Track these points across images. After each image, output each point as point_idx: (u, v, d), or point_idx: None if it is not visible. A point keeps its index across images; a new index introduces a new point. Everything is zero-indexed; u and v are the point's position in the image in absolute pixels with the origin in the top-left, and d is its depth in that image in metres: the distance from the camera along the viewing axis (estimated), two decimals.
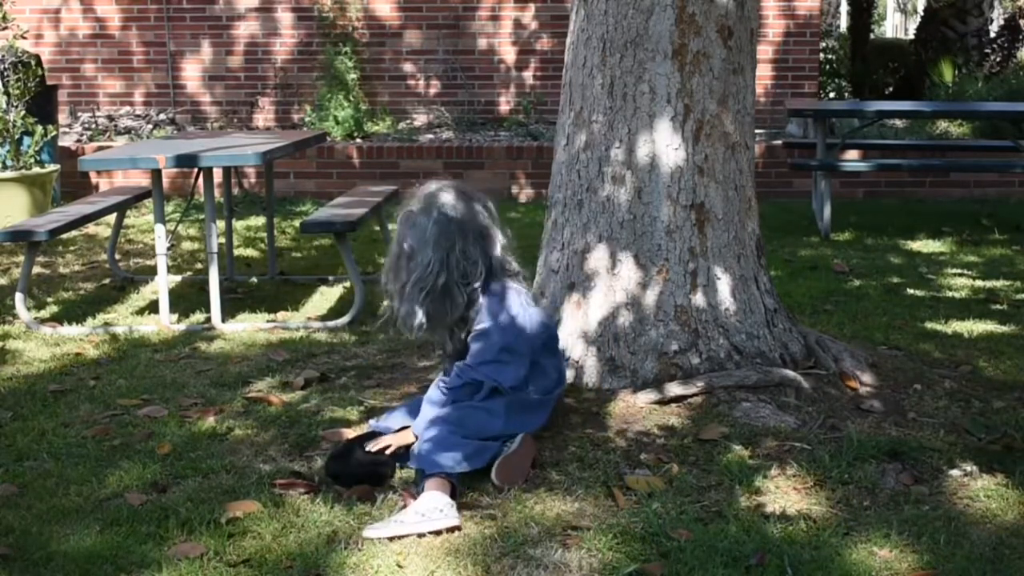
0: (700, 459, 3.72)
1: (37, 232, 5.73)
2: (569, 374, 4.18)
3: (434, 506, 3.30)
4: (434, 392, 3.69)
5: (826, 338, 4.53)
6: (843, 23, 21.30)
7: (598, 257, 4.22)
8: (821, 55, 12.53)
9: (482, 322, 3.65)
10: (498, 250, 3.69)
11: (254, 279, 6.78)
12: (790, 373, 4.17)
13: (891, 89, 14.62)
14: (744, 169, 4.30)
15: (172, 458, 3.88)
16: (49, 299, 6.32)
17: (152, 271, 6.69)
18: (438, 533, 3.25)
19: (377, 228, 7.49)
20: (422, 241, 3.59)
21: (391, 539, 3.22)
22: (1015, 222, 8.42)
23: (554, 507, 3.42)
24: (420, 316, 3.61)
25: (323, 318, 5.78)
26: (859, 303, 5.95)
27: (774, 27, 11.02)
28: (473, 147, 9.95)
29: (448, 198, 3.65)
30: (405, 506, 3.40)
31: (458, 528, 3.28)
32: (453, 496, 3.38)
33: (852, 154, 9.32)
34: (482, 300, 3.65)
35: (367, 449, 3.61)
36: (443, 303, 3.60)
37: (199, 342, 5.36)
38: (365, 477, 3.58)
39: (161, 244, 5.69)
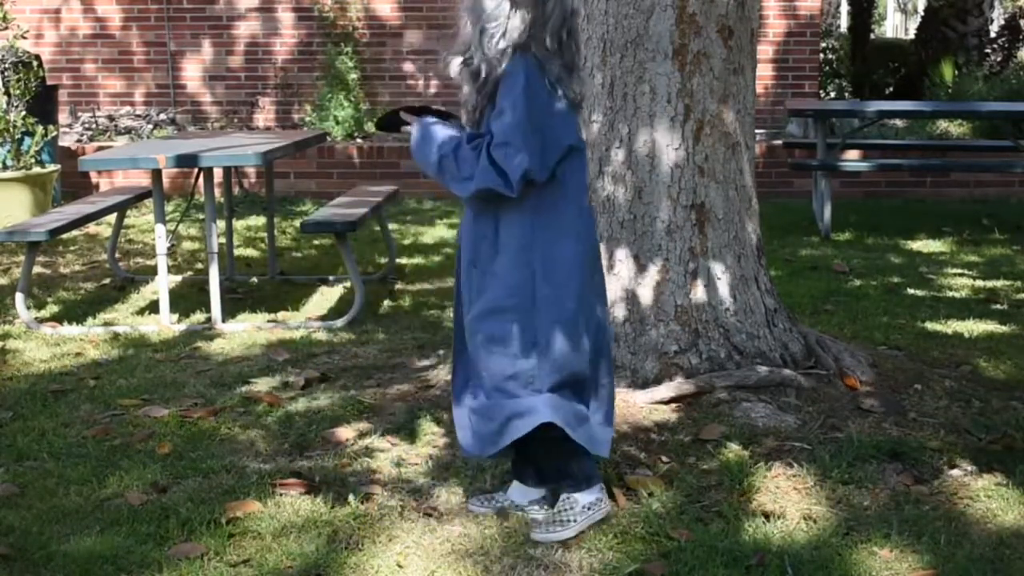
0: (700, 459, 3.72)
1: (37, 232, 5.73)
2: None
3: (594, 498, 3.32)
4: (452, 136, 3.21)
5: (826, 338, 4.53)
6: (843, 23, 21.30)
7: None
8: (821, 55, 12.52)
9: (500, 99, 3.12)
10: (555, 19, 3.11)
11: (254, 279, 6.78)
12: (790, 373, 4.17)
13: (891, 89, 14.61)
14: (744, 169, 4.30)
15: (172, 458, 3.88)
16: (49, 299, 6.32)
17: (152, 271, 6.69)
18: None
19: (377, 228, 7.48)
20: None
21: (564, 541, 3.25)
22: (1015, 222, 8.42)
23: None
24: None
25: (323, 318, 5.77)
26: (859, 303, 5.95)
27: (775, 27, 11.02)
28: None
29: None
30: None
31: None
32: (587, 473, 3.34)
33: (852, 154, 9.32)
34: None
35: (400, 112, 3.36)
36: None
37: (199, 342, 5.36)
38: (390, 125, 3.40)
39: (161, 244, 5.69)
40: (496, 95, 3.12)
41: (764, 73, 10.38)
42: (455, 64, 3.18)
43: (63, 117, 10.55)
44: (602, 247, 4.19)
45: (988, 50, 14.13)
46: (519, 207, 3.15)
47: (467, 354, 3.33)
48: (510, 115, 3.08)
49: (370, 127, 10.45)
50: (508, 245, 3.18)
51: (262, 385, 4.64)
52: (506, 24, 3.08)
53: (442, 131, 3.22)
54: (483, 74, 3.13)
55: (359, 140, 10.15)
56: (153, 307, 6.01)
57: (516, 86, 3.08)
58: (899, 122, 10.72)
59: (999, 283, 6.49)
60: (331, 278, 6.74)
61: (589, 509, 3.30)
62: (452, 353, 3.45)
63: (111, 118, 10.74)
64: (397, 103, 11.10)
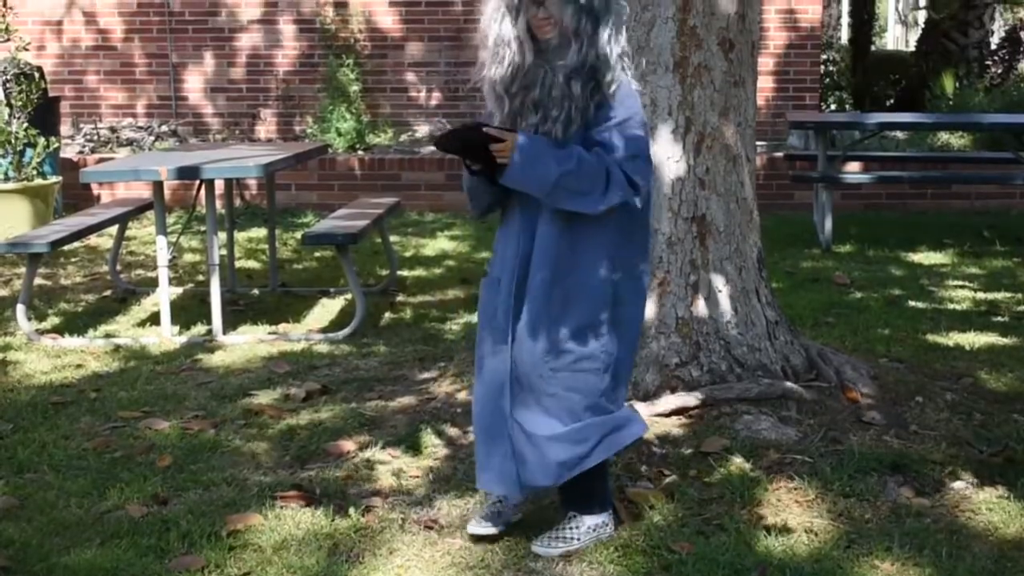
0: (701, 472, 3.72)
1: (38, 244, 5.74)
2: None
3: (601, 521, 3.31)
4: (566, 150, 3.08)
5: (827, 350, 4.53)
6: (844, 35, 21.33)
7: None
8: (822, 67, 12.54)
9: (616, 112, 3.09)
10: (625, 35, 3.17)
11: (255, 291, 6.78)
12: (791, 386, 4.16)
13: (892, 101, 14.62)
14: (745, 181, 4.30)
15: (173, 470, 3.88)
16: (50, 311, 6.32)
17: (153, 283, 6.69)
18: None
19: (379, 240, 7.49)
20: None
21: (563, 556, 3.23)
22: (1016, 234, 8.42)
23: (555, 520, 3.41)
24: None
25: (324, 330, 5.77)
26: (860, 315, 5.95)
27: (775, 39, 11.03)
28: None
29: None
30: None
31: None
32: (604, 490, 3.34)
33: (853, 166, 9.32)
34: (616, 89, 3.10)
35: (484, 129, 3.10)
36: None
37: (200, 354, 5.36)
38: (466, 145, 3.13)
39: (163, 256, 5.69)
40: (599, 104, 3.07)
41: (765, 85, 10.40)
42: (565, 73, 3.04)
43: (65, 129, 10.56)
44: None
45: (989, 62, 14.14)
46: (604, 221, 3.10)
47: (513, 383, 3.16)
48: (637, 128, 3.09)
49: (372, 139, 10.46)
50: (589, 259, 3.13)
51: (263, 397, 4.64)
52: (621, 28, 3.10)
53: (552, 145, 3.07)
54: (597, 72, 3.04)
55: (360, 152, 10.16)
56: (154, 319, 6.01)
57: (632, 98, 3.12)
58: (900, 134, 10.73)
59: (1000, 295, 6.49)
60: (332, 290, 6.74)
61: (594, 531, 3.29)
62: (482, 386, 3.24)
63: (113, 130, 10.76)
64: (399, 115, 11.12)
